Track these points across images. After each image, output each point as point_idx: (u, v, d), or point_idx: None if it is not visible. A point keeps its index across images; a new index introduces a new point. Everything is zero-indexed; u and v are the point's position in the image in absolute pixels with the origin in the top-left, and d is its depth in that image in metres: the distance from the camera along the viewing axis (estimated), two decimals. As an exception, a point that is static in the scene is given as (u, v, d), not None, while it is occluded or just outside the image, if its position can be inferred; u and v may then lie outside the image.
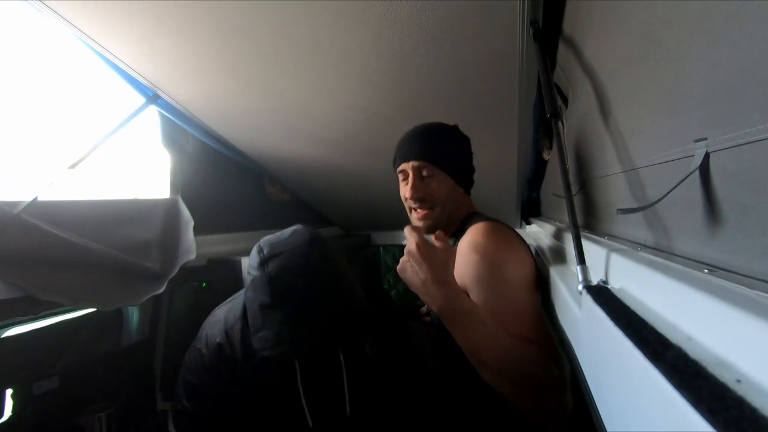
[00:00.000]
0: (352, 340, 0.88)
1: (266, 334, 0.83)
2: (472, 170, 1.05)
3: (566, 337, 0.70)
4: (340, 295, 0.86)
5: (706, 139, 0.43)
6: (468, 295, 0.82)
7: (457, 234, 0.96)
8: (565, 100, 1.10)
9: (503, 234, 0.88)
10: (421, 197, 0.96)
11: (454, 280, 0.81)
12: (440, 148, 0.97)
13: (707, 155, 0.43)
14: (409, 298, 3.32)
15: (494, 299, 0.80)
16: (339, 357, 0.93)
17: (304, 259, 0.86)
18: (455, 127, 1.02)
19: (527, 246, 0.92)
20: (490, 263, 0.82)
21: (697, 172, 0.44)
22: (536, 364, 0.72)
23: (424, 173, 0.95)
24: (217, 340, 0.92)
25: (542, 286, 0.88)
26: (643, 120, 0.61)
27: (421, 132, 0.98)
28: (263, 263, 0.86)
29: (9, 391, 1.12)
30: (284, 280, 0.83)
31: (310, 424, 0.88)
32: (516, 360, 0.72)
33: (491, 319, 0.76)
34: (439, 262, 0.80)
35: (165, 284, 1.23)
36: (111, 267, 1.14)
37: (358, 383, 0.94)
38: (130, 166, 1.49)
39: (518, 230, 2.23)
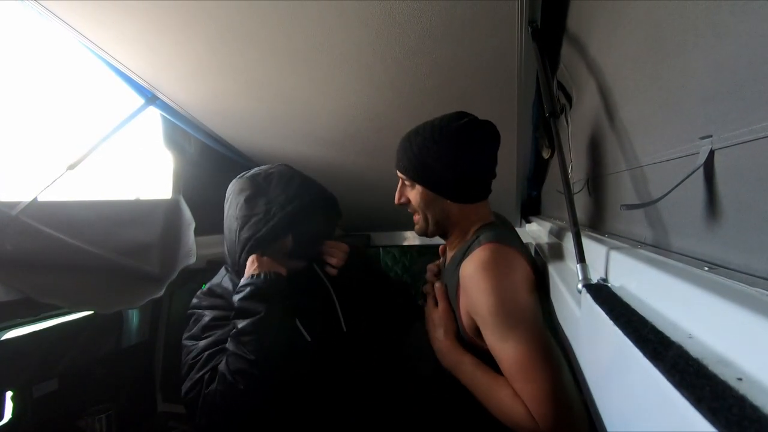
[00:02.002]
0: (331, 212, 1.09)
1: (257, 218, 0.95)
2: (466, 180, 0.91)
3: (565, 336, 0.69)
4: (313, 182, 1.06)
5: (711, 136, 0.43)
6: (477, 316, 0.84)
7: (466, 246, 0.89)
8: (569, 99, 1.10)
9: (500, 266, 0.80)
10: (401, 204, 0.98)
11: (448, 338, 0.90)
12: (415, 158, 0.89)
13: (712, 152, 0.43)
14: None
15: (499, 344, 0.79)
16: (324, 281, 1.07)
17: (278, 167, 1.06)
18: (454, 130, 0.88)
19: (528, 264, 0.84)
20: (491, 306, 0.78)
21: (701, 170, 0.44)
22: (506, 414, 0.78)
23: (406, 182, 0.95)
24: (207, 286, 1.06)
25: (544, 295, 0.87)
26: (648, 118, 0.61)
27: (406, 138, 0.93)
28: (241, 176, 1.04)
29: (9, 394, 1.12)
30: (261, 174, 1.01)
31: (308, 338, 0.99)
32: (494, 407, 0.81)
33: (499, 357, 0.80)
34: (434, 325, 0.93)
35: (164, 288, 1.23)
36: (110, 270, 1.14)
37: (349, 303, 1.08)
38: (132, 167, 1.50)
39: (518, 229, 2.23)
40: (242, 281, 0.93)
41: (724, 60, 0.40)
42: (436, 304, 0.95)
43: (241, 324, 0.89)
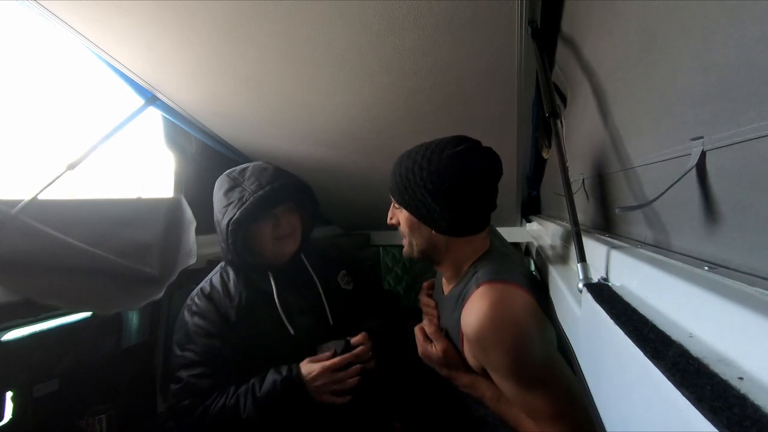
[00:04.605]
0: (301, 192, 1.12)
1: (233, 205, 1.01)
2: (455, 213, 0.82)
3: (566, 335, 0.69)
4: (287, 172, 1.10)
5: (702, 137, 0.43)
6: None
7: (463, 285, 0.85)
8: (564, 100, 1.10)
9: (505, 315, 0.75)
10: (392, 224, 0.94)
11: (461, 373, 0.86)
12: (402, 182, 0.84)
13: (703, 153, 0.43)
14: (410, 299, 3.33)
15: (521, 397, 0.77)
16: (311, 275, 1.15)
17: (254, 162, 1.12)
18: (446, 157, 0.79)
19: (530, 294, 0.79)
20: (508, 366, 0.75)
21: (694, 170, 0.44)
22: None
23: (395, 204, 0.91)
24: (199, 287, 1.11)
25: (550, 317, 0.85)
26: (640, 118, 0.61)
27: (399, 159, 0.88)
28: (221, 176, 1.11)
29: (9, 394, 1.11)
30: (236, 170, 1.08)
31: (292, 332, 1.06)
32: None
33: (521, 407, 0.79)
34: (440, 365, 0.87)
35: (164, 290, 1.23)
36: (109, 271, 1.13)
37: (336, 298, 1.15)
38: (134, 167, 1.50)
39: (518, 228, 2.23)
40: (285, 376, 0.98)
41: (713, 62, 0.40)
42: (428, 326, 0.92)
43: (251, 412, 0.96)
